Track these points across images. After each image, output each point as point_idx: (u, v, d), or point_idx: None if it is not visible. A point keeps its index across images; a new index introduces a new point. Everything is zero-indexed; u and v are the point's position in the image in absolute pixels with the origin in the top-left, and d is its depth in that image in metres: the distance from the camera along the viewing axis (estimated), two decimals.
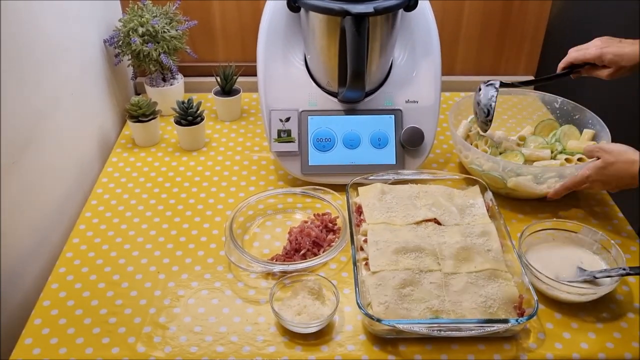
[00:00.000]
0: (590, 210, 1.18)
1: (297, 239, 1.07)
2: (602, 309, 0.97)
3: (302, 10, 1.15)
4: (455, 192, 1.13)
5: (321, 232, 1.09)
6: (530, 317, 0.87)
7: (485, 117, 1.19)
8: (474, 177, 1.16)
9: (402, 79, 1.23)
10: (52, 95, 1.13)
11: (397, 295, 0.91)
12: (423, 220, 1.05)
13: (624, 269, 0.95)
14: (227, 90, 1.45)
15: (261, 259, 1.04)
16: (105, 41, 1.38)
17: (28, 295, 1.02)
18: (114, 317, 0.95)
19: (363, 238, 1.03)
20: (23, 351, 0.89)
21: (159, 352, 0.89)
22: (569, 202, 1.18)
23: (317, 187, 1.18)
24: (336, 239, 1.09)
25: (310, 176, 1.21)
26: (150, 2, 1.40)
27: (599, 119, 1.22)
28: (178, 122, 1.32)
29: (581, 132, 1.26)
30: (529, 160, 1.21)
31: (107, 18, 1.41)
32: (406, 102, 1.22)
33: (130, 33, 1.34)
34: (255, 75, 1.23)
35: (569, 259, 1.02)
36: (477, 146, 1.25)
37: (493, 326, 0.88)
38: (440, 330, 0.87)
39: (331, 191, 1.17)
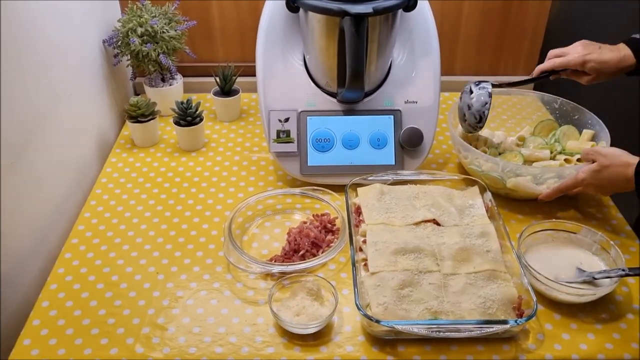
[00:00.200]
0: (589, 211, 1.18)
1: (296, 240, 1.07)
2: (601, 310, 0.97)
3: (301, 11, 1.15)
4: (455, 192, 1.13)
5: (320, 232, 1.09)
6: (529, 318, 0.87)
7: (477, 122, 1.18)
8: (473, 178, 1.16)
9: (401, 79, 1.23)
10: (51, 95, 1.13)
11: (396, 296, 0.91)
12: (422, 221, 1.05)
13: (623, 270, 0.95)
14: (226, 90, 1.45)
15: (260, 259, 1.04)
16: (104, 41, 1.38)
17: (27, 295, 1.02)
18: (112, 318, 0.95)
19: (362, 239, 1.03)
20: (22, 352, 0.89)
21: (157, 353, 0.89)
22: (568, 202, 1.18)
23: (316, 187, 1.18)
24: (335, 239, 1.09)
25: (309, 177, 1.21)
26: (149, 2, 1.40)
27: (598, 119, 1.22)
28: (177, 123, 1.32)
29: (580, 132, 1.26)
30: (528, 161, 1.21)
31: (106, 18, 1.41)
32: (405, 102, 1.22)
33: (129, 33, 1.34)
34: (254, 75, 1.23)
35: (568, 260, 1.02)
36: (476, 147, 1.25)
37: (492, 327, 0.88)
38: (439, 331, 0.87)
39: (330, 192, 1.17)
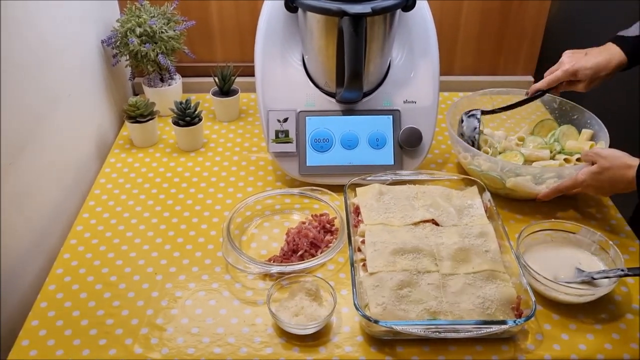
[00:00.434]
0: (588, 211, 1.17)
1: (294, 240, 1.07)
2: (600, 310, 0.97)
3: (300, 11, 1.14)
4: (454, 192, 1.13)
5: (319, 233, 1.09)
6: (528, 318, 0.87)
7: (471, 146, 1.21)
8: (472, 178, 1.16)
9: (400, 79, 1.23)
10: (49, 95, 1.13)
11: (395, 297, 0.91)
12: (421, 221, 1.05)
13: (622, 270, 0.94)
14: (225, 90, 1.44)
15: (259, 260, 1.04)
16: (102, 42, 1.38)
17: (25, 296, 1.02)
18: (111, 319, 0.95)
19: (361, 239, 1.03)
20: (20, 352, 0.89)
21: (156, 354, 0.89)
22: (567, 202, 1.18)
23: (314, 187, 1.18)
24: (334, 240, 1.09)
25: (308, 177, 1.21)
26: (148, 2, 1.39)
27: (598, 119, 1.22)
28: (176, 123, 1.32)
29: (580, 132, 1.26)
30: (528, 161, 1.21)
31: (105, 18, 1.41)
32: (404, 102, 1.22)
33: (128, 33, 1.34)
34: (253, 75, 1.23)
35: (567, 260, 1.02)
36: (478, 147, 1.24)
37: (491, 327, 0.87)
38: (437, 332, 0.87)
39: (329, 192, 1.17)
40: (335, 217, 1.13)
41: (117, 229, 1.13)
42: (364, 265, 0.98)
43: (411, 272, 0.95)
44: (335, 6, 1.05)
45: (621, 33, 1.14)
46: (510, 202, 1.18)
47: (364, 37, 1.07)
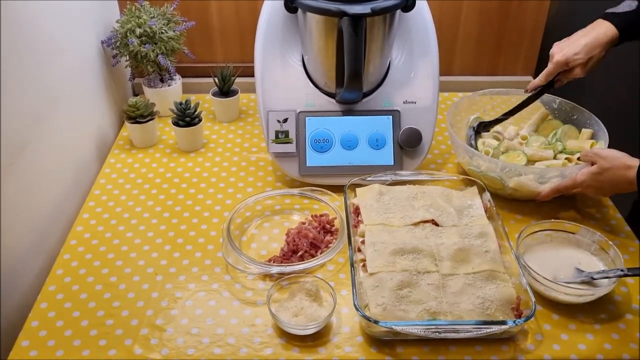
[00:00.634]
0: (588, 211, 1.17)
1: (294, 241, 1.07)
2: (600, 310, 0.97)
3: (300, 11, 1.14)
4: (453, 193, 1.13)
5: (319, 233, 1.09)
6: (528, 318, 0.87)
7: None
8: (472, 178, 1.16)
9: (400, 80, 1.23)
10: (49, 96, 1.13)
11: (395, 297, 0.91)
12: (421, 222, 1.05)
13: (622, 270, 0.95)
14: (225, 91, 1.44)
15: (258, 260, 1.04)
16: (102, 42, 1.38)
17: (25, 296, 1.02)
18: (111, 319, 0.95)
19: (361, 239, 1.03)
20: (20, 353, 0.89)
21: (155, 354, 0.89)
22: (567, 203, 1.18)
23: (314, 188, 1.18)
24: (334, 240, 1.09)
25: (308, 177, 1.21)
26: (148, 2, 1.39)
27: (597, 119, 1.22)
28: (176, 123, 1.32)
29: (579, 132, 1.26)
30: (531, 160, 1.21)
31: (105, 19, 1.41)
32: (404, 102, 1.22)
33: (128, 34, 1.34)
34: (253, 76, 1.23)
35: (566, 260, 1.02)
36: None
37: (491, 327, 0.87)
38: (437, 332, 0.87)
39: (329, 192, 1.17)
40: (335, 218, 1.13)
41: (117, 229, 1.13)
42: (364, 265, 0.98)
43: (411, 272, 0.95)
44: (334, 7, 1.05)
45: (610, 10, 1.13)
46: (510, 203, 1.18)
47: (364, 37, 1.07)
